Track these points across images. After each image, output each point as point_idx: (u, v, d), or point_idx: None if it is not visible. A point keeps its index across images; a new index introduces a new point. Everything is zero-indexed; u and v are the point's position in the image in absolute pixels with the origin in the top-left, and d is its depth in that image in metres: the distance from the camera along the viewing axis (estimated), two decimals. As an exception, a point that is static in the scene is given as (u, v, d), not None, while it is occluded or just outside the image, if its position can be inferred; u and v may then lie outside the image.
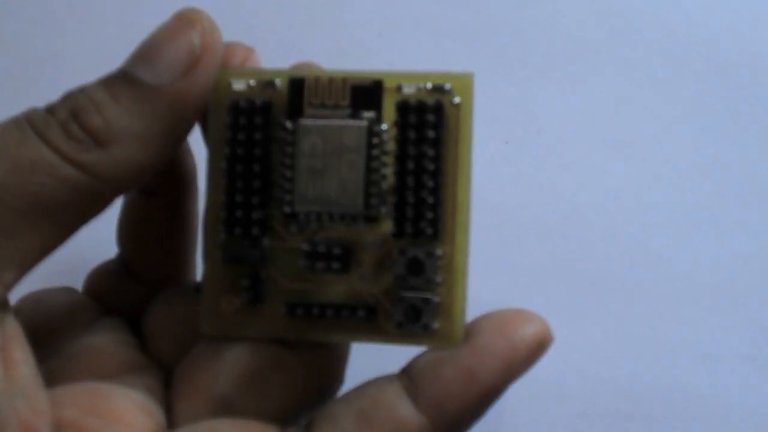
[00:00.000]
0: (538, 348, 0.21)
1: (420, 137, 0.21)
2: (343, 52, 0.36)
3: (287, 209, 0.22)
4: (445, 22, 0.36)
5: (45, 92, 0.36)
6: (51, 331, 0.24)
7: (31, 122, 0.21)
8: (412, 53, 0.36)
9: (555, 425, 0.33)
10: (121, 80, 0.21)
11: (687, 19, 0.36)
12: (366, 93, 0.22)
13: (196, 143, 0.25)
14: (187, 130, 0.22)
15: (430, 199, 0.21)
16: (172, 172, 0.25)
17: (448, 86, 0.22)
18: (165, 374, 0.24)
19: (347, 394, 0.22)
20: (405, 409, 0.21)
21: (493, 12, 0.36)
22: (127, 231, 0.26)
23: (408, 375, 0.22)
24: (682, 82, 0.35)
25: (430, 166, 0.21)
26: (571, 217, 0.34)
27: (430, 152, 0.21)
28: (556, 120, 0.35)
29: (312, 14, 0.37)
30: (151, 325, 0.25)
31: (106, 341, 0.24)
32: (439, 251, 0.22)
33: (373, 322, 0.22)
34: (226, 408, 0.22)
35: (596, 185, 0.35)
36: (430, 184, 0.21)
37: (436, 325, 0.22)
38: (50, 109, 0.21)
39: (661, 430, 0.33)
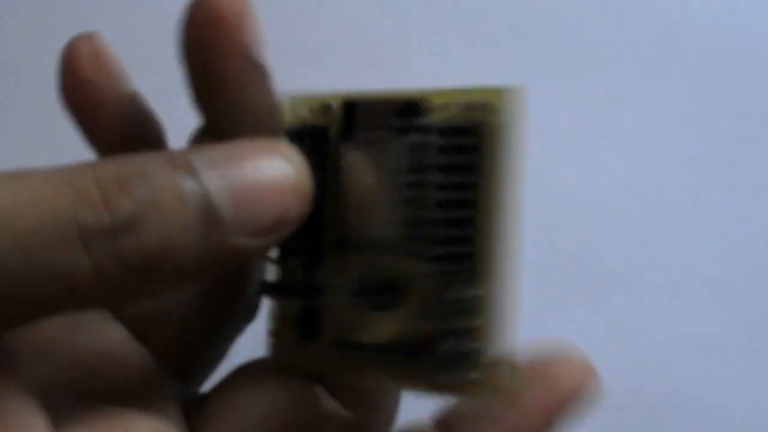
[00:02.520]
0: (584, 393, 0.20)
1: (459, 163, 0.19)
2: (343, 52, 0.36)
3: (336, 239, 0.21)
4: (445, 20, 0.36)
5: (45, 92, 0.37)
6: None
7: (80, 220, 0.17)
8: (412, 53, 0.36)
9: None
10: (199, 203, 0.17)
11: (686, 13, 0.36)
12: (411, 112, 0.20)
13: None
14: (226, 273, 0.20)
15: (468, 231, 0.19)
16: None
17: (496, 104, 0.19)
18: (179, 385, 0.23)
19: None
20: None
21: (490, 4, 0.36)
22: None
23: (443, 428, 0.21)
24: (681, 76, 0.35)
25: (468, 195, 0.19)
26: (570, 211, 0.34)
27: (469, 178, 0.19)
28: (555, 114, 0.35)
29: (312, 14, 0.37)
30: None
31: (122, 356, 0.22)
32: (483, 291, 0.19)
33: (414, 367, 0.20)
34: None
35: (595, 179, 0.35)
36: (467, 214, 0.19)
37: (475, 374, 0.19)
38: (107, 199, 0.17)
39: (661, 423, 0.33)
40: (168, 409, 0.22)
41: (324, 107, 0.21)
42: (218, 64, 0.21)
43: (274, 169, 0.18)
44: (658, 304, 0.34)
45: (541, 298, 0.33)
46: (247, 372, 0.23)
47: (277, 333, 0.22)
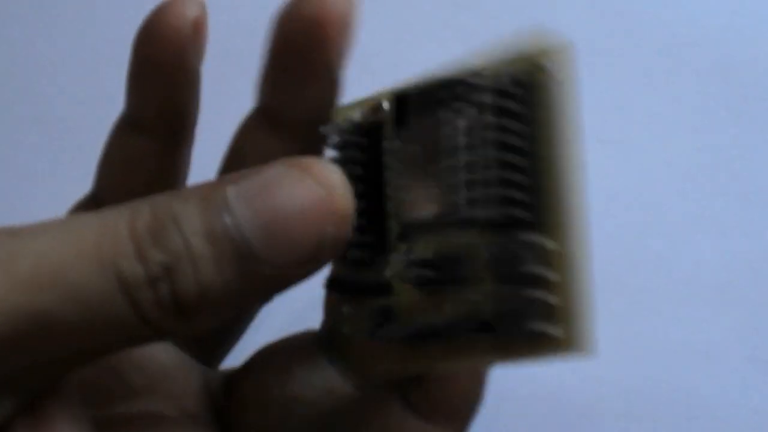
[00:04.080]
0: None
1: (519, 122, 0.19)
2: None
3: (397, 230, 0.20)
4: (444, 21, 0.36)
5: (44, 93, 0.37)
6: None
7: (120, 272, 0.17)
8: (412, 53, 0.36)
9: (555, 425, 0.33)
10: (231, 243, 0.18)
11: (691, 21, 0.36)
12: (462, 88, 0.20)
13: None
14: (271, 298, 0.21)
15: (529, 181, 0.19)
16: (172, 113, 0.23)
17: (547, 63, 0.19)
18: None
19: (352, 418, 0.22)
20: (417, 427, 0.21)
21: (493, 11, 0.36)
22: (109, 169, 0.24)
23: (396, 385, 0.21)
24: (685, 83, 0.35)
25: (524, 145, 0.19)
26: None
27: (526, 130, 0.19)
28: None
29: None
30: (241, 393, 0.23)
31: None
32: (547, 244, 0.19)
33: (495, 336, 0.19)
34: None
35: (596, 185, 0.35)
36: (524, 162, 0.19)
37: (550, 329, 0.19)
38: (141, 252, 0.18)
39: (663, 431, 0.33)
40: (197, 404, 0.23)
41: (375, 107, 0.21)
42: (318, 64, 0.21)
43: (306, 194, 0.18)
44: (661, 312, 0.33)
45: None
46: (277, 354, 0.23)
47: (351, 341, 0.21)
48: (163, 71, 0.22)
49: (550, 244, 0.19)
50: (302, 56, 0.21)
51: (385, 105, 0.21)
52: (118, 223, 0.18)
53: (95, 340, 0.18)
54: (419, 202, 0.20)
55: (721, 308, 0.33)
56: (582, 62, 0.36)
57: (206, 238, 0.18)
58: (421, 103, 0.20)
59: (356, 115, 0.21)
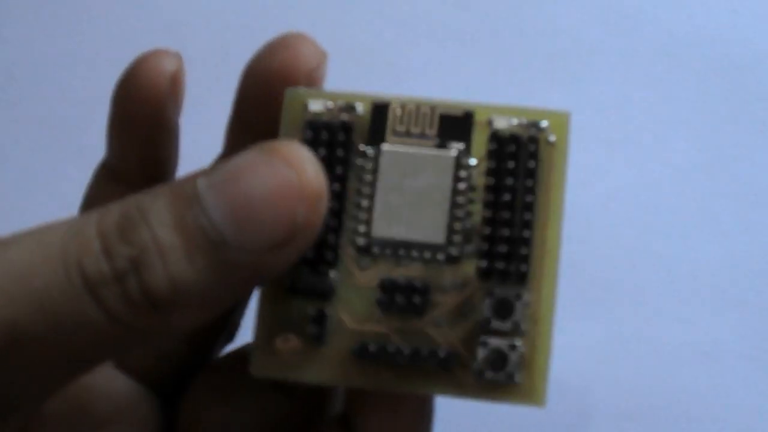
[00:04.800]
0: None
1: (515, 169, 0.20)
2: (343, 52, 0.36)
3: (360, 242, 0.20)
4: (445, 22, 0.36)
5: (44, 93, 0.37)
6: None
7: (83, 270, 0.17)
8: (412, 53, 0.36)
9: (555, 425, 0.33)
10: (201, 232, 0.17)
11: (690, 22, 0.36)
12: (456, 123, 0.20)
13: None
14: (252, 293, 0.20)
15: (526, 233, 0.20)
16: (151, 164, 0.23)
17: (544, 124, 0.20)
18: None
19: None
20: None
21: (493, 12, 0.36)
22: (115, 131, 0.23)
23: (347, 426, 0.21)
24: (685, 84, 0.35)
25: (527, 198, 0.20)
26: (571, 217, 0.34)
27: (528, 183, 0.20)
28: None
29: (313, 15, 0.37)
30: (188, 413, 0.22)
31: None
32: (526, 296, 0.20)
33: (449, 372, 0.20)
34: None
35: (596, 185, 0.35)
36: (526, 217, 0.20)
37: (520, 376, 0.20)
38: (107, 248, 0.17)
39: (662, 431, 0.33)
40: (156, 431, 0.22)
41: (345, 106, 0.20)
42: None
43: (274, 177, 0.17)
44: (661, 312, 0.33)
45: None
46: (216, 385, 0.22)
47: (271, 342, 0.20)
48: (141, 125, 0.22)
49: (528, 294, 0.20)
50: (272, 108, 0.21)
51: (359, 108, 0.20)
52: (87, 224, 0.17)
53: (69, 349, 0.17)
54: (390, 221, 0.20)
55: (721, 308, 0.33)
56: (582, 62, 0.36)
57: (174, 229, 0.17)
58: (403, 122, 0.20)
59: (317, 107, 0.20)
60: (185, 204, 0.17)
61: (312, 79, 0.21)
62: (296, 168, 0.18)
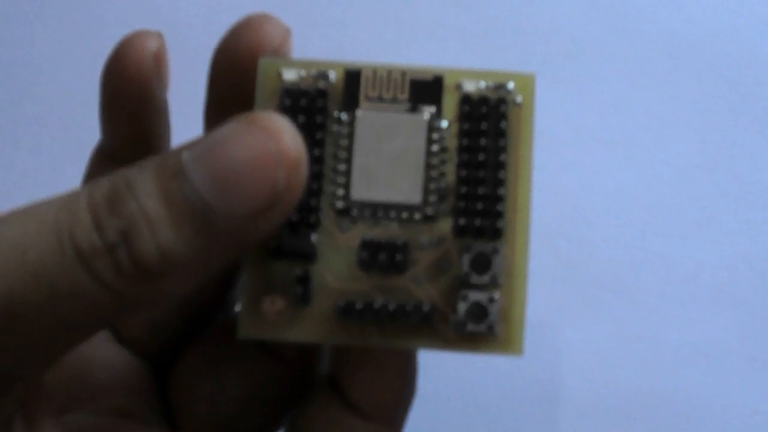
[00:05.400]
0: None
1: (485, 129, 0.21)
2: (342, 51, 0.36)
3: (340, 204, 0.21)
4: (445, 21, 0.36)
5: (44, 93, 0.37)
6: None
7: (76, 243, 0.18)
8: (412, 54, 0.36)
9: (555, 425, 0.33)
10: (186, 201, 0.18)
11: (688, 18, 0.36)
12: (426, 87, 0.21)
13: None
14: (237, 259, 0.21)
15: (500, 191, 0.20)
16: (143, 143, 0.23)
17: (510, 85, 0.21)
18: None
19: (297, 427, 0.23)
20: (359, 427, 0.22)
21: (493, 11, 0.36)
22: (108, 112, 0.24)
23: (337, 386, 0.22)
24: (683, 82, 0.35)
25: (499, 158, 0.21)
26: (571, 218, 0.34)
27: (499, 143, 0.21)
28: (556, 120, 0.35)
29: (312, 12, 0.37)
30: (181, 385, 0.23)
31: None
32: (502, 250, 0.21)
33: (430, 326, 0.21)
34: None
35: (597, 186, 0.35)
36: (499, 175, 0.20)
37: (500, 327, 0.20)
38: (97, 220, 0.18)
39: (662, 431, 0.33)
40: (154, 400, 0.23)
41: (318, 74, 0.21)
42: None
43: (254, 145, 0.18)
44: (661, 312, 0.33)
45: (543, 305, 0.33)
46: (204, 353, 0.23)
47: (257, 305, 0.21)
48: (130, 105, 0.22)
49: (503, 248, 0.21)
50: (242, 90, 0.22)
51: (332, 75, 0.21)
52: (77, 198, 0.18)
53: (64, 318, 0.18)
54: (368, 184, 0.21)
55: (721, 308, 0.33)
56: (582, 62, 0.37)
57: (161, 200, 0.18)
58: (375, 88, 0.21)
59: (291, 76, 0.21)
60: (170, 175, 0.18)
61: (279, 55, 0.22)
62: (275, 135, 0.18)
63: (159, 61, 0.22)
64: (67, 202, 0.18)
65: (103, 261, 0.17)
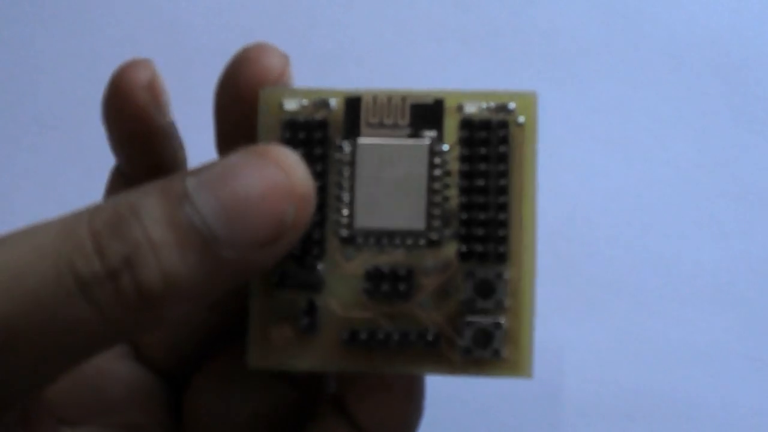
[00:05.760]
0: None
1: (486, 154, 0.21)
2: (342, 53, 0.36)
3: (344, 233, 0.21)
4: (446, 23, 0.36)
5: (44, 93, 0.37)
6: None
7: (75, 271, 0.17)
8: (412, 54, 0.36)
9: (555, 425, 0.33)
10: (193, 229, 0.18)
11: (688, 19, 0.36)
12: (427, 112, 0.21)
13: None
14: (241, 287, 0.21)
15: (502, 216, 0.20)
16: (156, 165, 0.23)
17: (511, 106, 0.21)
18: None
19: None
20: None
21: (494, 13, 0.36)
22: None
23: (342, 405, 0.22)
24: (683, 82, 0.35)
25: (500, 182, 0.20)
26: (572, 218, 0.34)
27: (500, 167, 0.21)
28: (558, 122, 0.35)
29: (312, 15, 0.37)
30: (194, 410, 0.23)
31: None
32: (506, 274, 0.21)
33: (437, 352, 0.21)
34: None
35: (597, 186, 0.35)
36: (501, 200, 0.20)
37: (505, 351, 0.21)
38: (99, 247, 0.17)
39: (662, 431, 0.33)
40: (166, 416, 0.23)
41: (319, 102, 0.21)
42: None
43: (265, 178, 0.18)
44: (660, 312, 0.33)
45: (543, 305, 0.33)
46: (216, 373, 0.23)
47: (265, 334, 0.21)
48: (133, 137, 0.23)
49: (507, 273, 0.21)
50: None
51: (332, 103, 0.21)
52: (78, 223, 0.18)
53: (60, 346, 0.17)
54: (372, 211, 0.21)
55: (721, 308, 0.33)
56: (582, 63, 0.36)
57: (167, 226, 0.17)
58: (376, 114, 0.21)
59: (292, 106, 0.21)
60: (176, 201, 0.18)
61: (280, 84, 0.22)
62: (286, 170, 0.18)
63: (153, 89, 0.22)
64: (66, 227, 0.18)
65: (104, 289, 0.17)
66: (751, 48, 0.35)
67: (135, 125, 0.22)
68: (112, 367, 0.23)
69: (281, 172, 0.18)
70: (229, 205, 0.18)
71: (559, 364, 0.32)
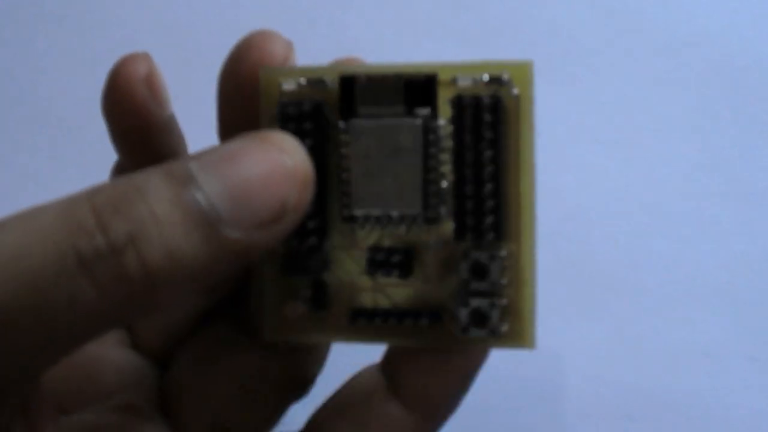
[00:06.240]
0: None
1: (478, 136, 0.20)
2: (341, 53, 0.36)
3: (345, 212, 0.21)
4: (445, 22, 0.36)
5: (44, 93, 0.37)
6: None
7: (78, 249, 0.17)
8: (412, 54, 0.36)
9: (555, 425, 0.33)
10: (197, 208, 0.18)
11: (688, 18, 0.36)
12: (420, 88, 0.21)
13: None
14: (239, 269, 0.21)
15: (491, 203, 0.20)
16: (158, 160, 0.23)
17: (506, 76, 0.21)
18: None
19: (336, 401, 0.23)
20: (396, 413, 0.22)
21: (493, 12, 0.36)
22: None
23: (388, 373, 0.22)
24: (685, 84, 0.35)
25: (489, 167, 0.20)
26: (571, 218, 0.34)
27: (489, 152, 0.20)
28: (557, 120, 0.35)
29: (312, 14, 0.37)
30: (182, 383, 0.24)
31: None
32: (503, 252, 0.21)
33: (439, 327, 0.21)
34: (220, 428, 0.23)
35: (597, 186, 0.35)
36: (490, 186, 0.20)
37: (504, 327, 0.21)
38: (102, 223, 0.17)
39: (662, 431, 0.33)
40: (157, 401, 0.24)
41: (316, 81, 0.22)
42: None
43: (268, 161, 0.19)
44: (660, 312, 0.33)
45: (543, 305, 0.33)
46: (198, 349, 0.24)
47: (279, 310, 0.22)
48: (133, 131, 0.23)
49: (508, 249, 0.21)
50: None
51: (328, 82, 0.21)
52: (78, 202, 0.18)
53: (57, 330, 0.17)
54: (369, 194, 0.21)
55: (721, 308, 0.33)
56: (582, 63, 0.37)
57: (172, 204, 0.18)
58: (372, 93, 0.21)
59: (290, 86, 0.22)
60: (180, 182, 0.18)
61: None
62: (288, 154, 0.19)
63: (151, 83, 0.22)
64: (67, 207, 0.18)
65: (106, 266, 0.17)
66: (751, 48, 0.36)
67: (134, 119, 0.22)
68: (105, 353, 0.24)
69: (283, 155, 0.19)
70: (234, 187, 0.18)
71: (559, 364, 0.32)
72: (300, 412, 0.25)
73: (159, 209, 0.17)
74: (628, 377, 0.33)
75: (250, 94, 0.22)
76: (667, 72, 0.35)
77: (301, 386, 0.24)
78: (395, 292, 0.21)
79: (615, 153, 0.35)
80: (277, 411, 0.24)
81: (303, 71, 0.22)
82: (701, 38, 0.36)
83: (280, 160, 0.19)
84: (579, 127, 0.35)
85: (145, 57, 0.23)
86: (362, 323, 0.21)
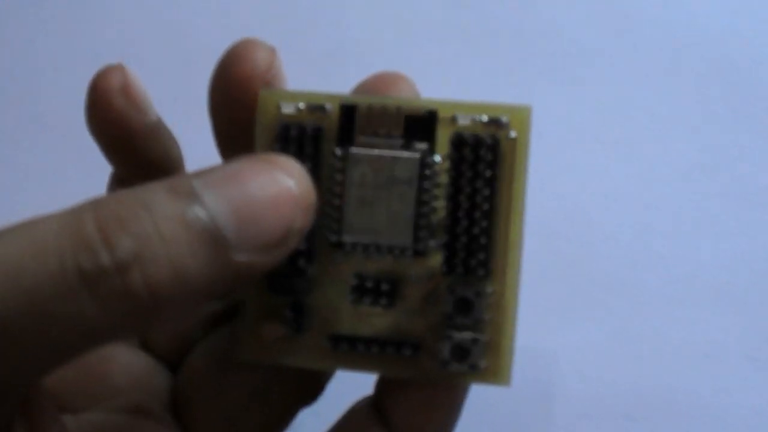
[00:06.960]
0: None
1: (474, 174, 0.21)
2: (341, 53, 0.36)
3: (334, 238, 0.21)
4: (445, 22, 0.36)
5: (44, 93, 0.37)
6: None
7: (81, 265, 0.17)
8: (412, 54, 0.36)
9: (555, 425, 0.33)
10: (204, 227, 0.18)
11: (689, 22, 0.36)
12: (420, 123, 0.21)
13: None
14: (240, 288, 0.21)
15: (483, 240, 0.21)
16: (150, 166, 0.24)
17: (504, 119, 0.21)
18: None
19: None
20: None
21: (493, 12, 0.36)
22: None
23: (379, 407, 0.22)
24: (683, 82, 0.35)
25: (484, 206, 0.21)
26: (571, 218, 0.34)
27: (485, 191, 0.21)
28: (556, 120, 0.35)
29: (311, 15, 0.37)
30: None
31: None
32: (489, 289, 0.21)
33: (418, 360, 0.21)
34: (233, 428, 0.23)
35: (597, 186, 0.35)
36: (483, 224, 0.21)
37: (483, 363, 0.21)
38: (107, 239, 0.17)
39: (662, 431, 0.33)
40: (168, 403, 0.24)
41: (315, 107, 0.22)
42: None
43: (275, 184, 0.19)
44: (660, 312, 0.33)
45: (543, 305, 0.33)
46: (210, 352, 0.24)
47: (257, 330, 0.22)
48: (116, 139, 0.23)
49: (489, 288, 0.21)
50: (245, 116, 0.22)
51: (328, 108, 0.22)
52: (82, 217, 0.17)
53: (55, 344, 0.17)
54: (359, 217, 0.21)
55: (721, 308, 0.33)
56: (582, 62, 0.36)
57: (178, 223, 0.17)
58: (371, 123, 0.21)
59: (289, 109, 0.22)
60: (185, 200, 0.18)
61: (269, 78, 0.22)
62: (294, 178, 0.19)
63: (127, 92, 0.23)
64: (70, 221, 0.17)
65: (111, 284, 0.17)
66: (750, 48, 0.36)
67: (115, 129, 0.23)
68: (115, 354, 0.24)
69: (291, 180, 0.19)
70: (239, 208, 0.18)
71: (558, 364, 0.32)
72: (309, 418, 0.25)
73: (165, 227, 0.17)
74: (627, 377, 0.33)
75: (239, 106, 0.22)
76: (667, 72, 0.35)
77: (311, 392, 0.24)
78: (377, 321, 0.22)
79: (615, 153, 0.35)
80: (287, 416, 0.24)
81: (304, 96, 0.22)
82: (701, 38, 0.36)
83: (287, 184, 0.19)
84: (579, 126, 0.35)
85: (119, 68, 0.23)
86: (344, 349, 0.21)
